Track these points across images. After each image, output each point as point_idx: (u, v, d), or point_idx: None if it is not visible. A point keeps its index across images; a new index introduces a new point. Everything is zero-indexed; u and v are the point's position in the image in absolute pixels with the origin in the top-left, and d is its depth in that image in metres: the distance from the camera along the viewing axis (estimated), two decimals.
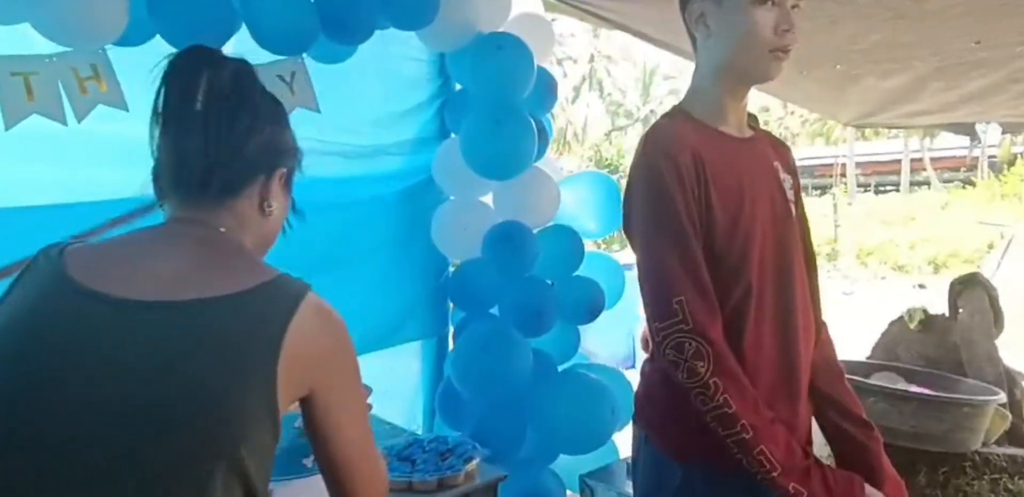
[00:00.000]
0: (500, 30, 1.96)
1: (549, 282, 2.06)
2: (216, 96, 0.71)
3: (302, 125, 1.80)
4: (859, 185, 24.35)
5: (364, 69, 1.91)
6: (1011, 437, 2.78)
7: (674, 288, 1.02)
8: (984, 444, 2.65)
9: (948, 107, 2.74)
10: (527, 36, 1.91)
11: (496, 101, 1.77)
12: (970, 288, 3.05)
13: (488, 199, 2.06)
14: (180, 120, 0.70)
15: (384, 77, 2.00)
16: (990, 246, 9.02)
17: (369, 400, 1.25)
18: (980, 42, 2.16)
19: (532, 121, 1.81)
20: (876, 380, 2.82)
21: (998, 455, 2.69)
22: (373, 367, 2.14)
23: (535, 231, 2.00)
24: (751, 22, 1.05)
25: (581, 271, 2.05)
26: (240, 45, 1.64)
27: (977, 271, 3.03)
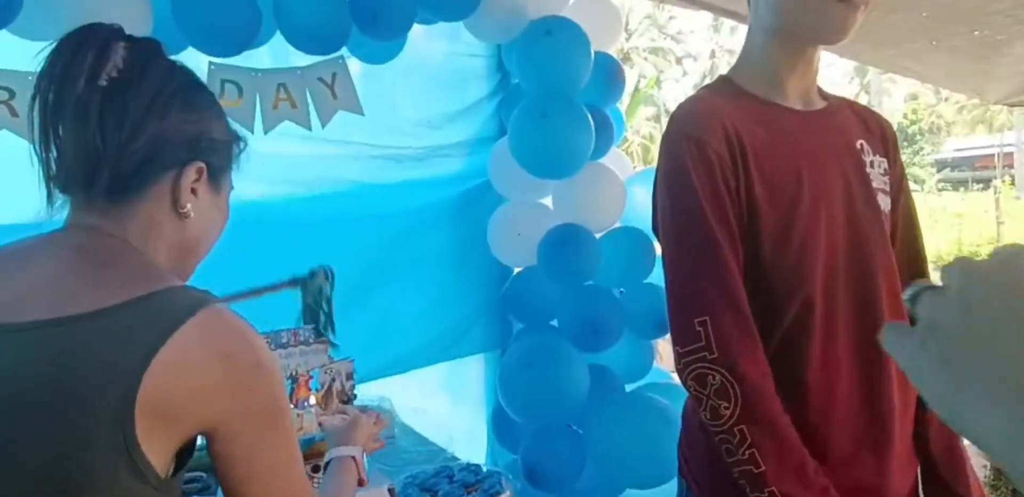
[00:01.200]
0: (561, 14, 1.80)
1: (619, 290, 1.87)
2: (103, 78, 0.60)
3: (347, 128, 1.77)
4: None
5: (414, 67, 1.83)
6: None
7: (697, 306, 0.82)
8: None
9: None
10: (588, 20, 1.74)
11: (545, 92, 1.62)
12: None
13: (548, 201, 1.90)
14: (61, 108, 0.60)
15: (437, 75, 1.90)
16: None
17: (386, 433, 1.10)
18: None
19: (587, 113, 1.63)
20: None
21: None
22: (434, 380, 2.05)
23: (599, 234, 1.82)
24: None
25: (654, 277, 1.84)
26: (276, 49, 1.61)
27: None
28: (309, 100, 1.65)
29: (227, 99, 1.59)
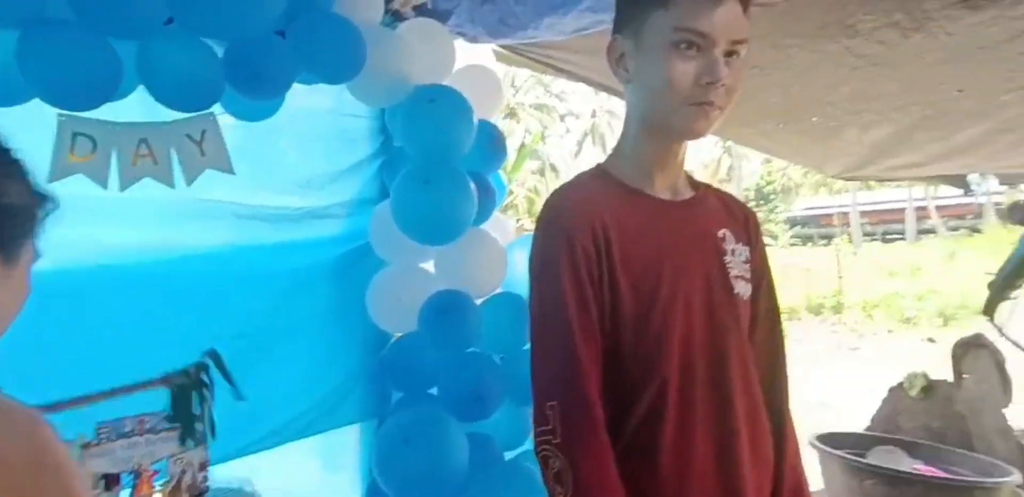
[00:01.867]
0: (444, 82, 1.82)
1: (499, 357, 1.85)
2: None
3: (216, 186, 1.67)
4: (865, 234, 24.16)
5: (293, 125, 1.76)
6: None
7: (549, 391, 0.85)
8: None
9: (938, 159, 2.57)
10: (471, 88, 1.77)
11: (428, 159, 1.61)
12: (974, 352, 2.80)
13: (430, 265, 1.87)
14: None
15: (317, 134, 1.85)
16: None
17: None
18: (963, 90, 2.00)
19: (469, 180, 1.64)
20: (876, 455, 2.55)
21: None
22: (305, 455, 1.91)
23: (480, 300, 1.81)
24: (667, 70, 0.88)
25: None
26: (138, 101, 1.50)
27: (980, 333, 2.80)
28: (174, 157, 1.54)
29: (78, 154, 1.46)
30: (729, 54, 0.88)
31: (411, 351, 1.78)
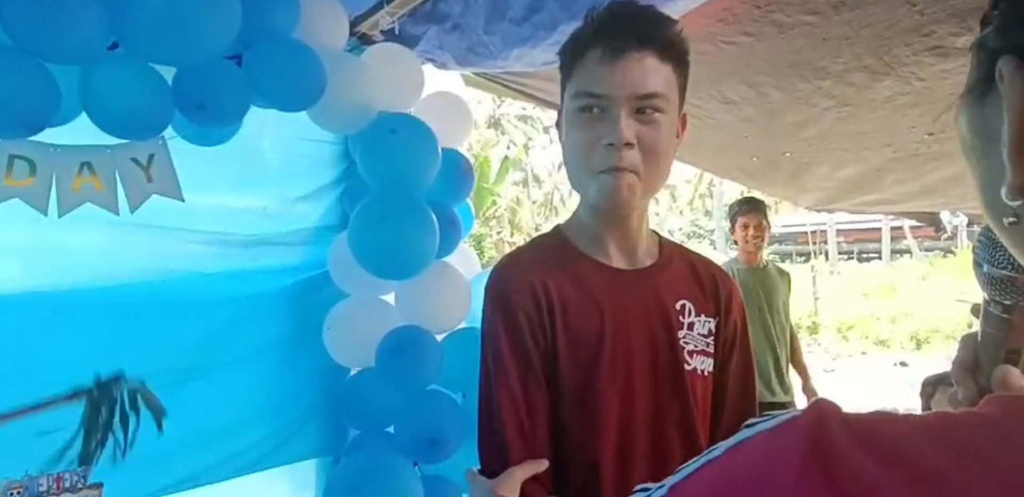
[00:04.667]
0: (411, 110, 1.77)
1: (461, 394, 1.78)
2: None
3: (165, 213, 1.59)
4: (841, 252, 24.43)
5: (251, 150, 1.70)
6: None
7: (489, 466, 0.87)
8: None
9: (910, 197, 2.57)
10: (438, 116, 1.72)
11: (388, 191, 1.55)
12: (942, 390, 2.79)
13: (391, 297, 1.81)
14: None
15: (276, 159, 1.78)
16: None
17: None
18: (933, 134, 2.00)
19: (431, 214, 1.58)
20: None
21: None
22: (256, 493, 1.83)
23: (442, 336, 1.75)
24: (571, 138, 0.84)
25: None
26: (86, 122, 1.42)
27: (948, 372, 2.77)
28: (118, 182, 1.47)
29: (14, 178, 1.38)
30: (641, 111, 0.83)
31: (367, 388, 1.71)
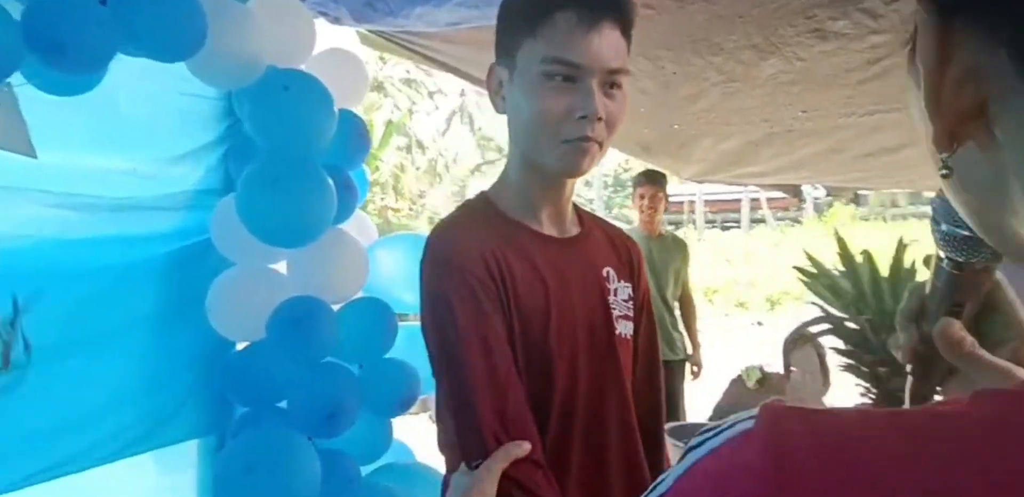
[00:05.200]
0: (302, 67, 1.65)
1: (357, 366, 1.73)
2: None
3: (13, 172, 1.40)
4: (707, 221, 26.13)
5: (117, 102, 1.52)
6: None
7: (469, 451, 0.81)
8: None
9: (781, 170, 2.76)
10: (332, 75, 1.61)
11: (280, 153, 1.45)
12: (800, 347, 3.09)
13: (282, 266, 1.71)
14: None
15: (149, 114, 1.61)
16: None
17: None
18: (807, 111, 2.15)
19: (327, 177, 1.49)
20: None
21: None
22: (130, 479, 1.69)
23: (337, 306, 1.68)
24: (539, 103, 0.82)
25: (395, 352, 1.75)
26: None
27: (807, 330, 3.07)
28: None
29: None
30: (608, 85, 0.83)
31: (257, 362, 1.62)
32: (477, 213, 0.91)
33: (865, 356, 1.08)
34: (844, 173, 2.73)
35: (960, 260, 0.47)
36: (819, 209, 20.70)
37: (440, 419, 0.91)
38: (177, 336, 1.70)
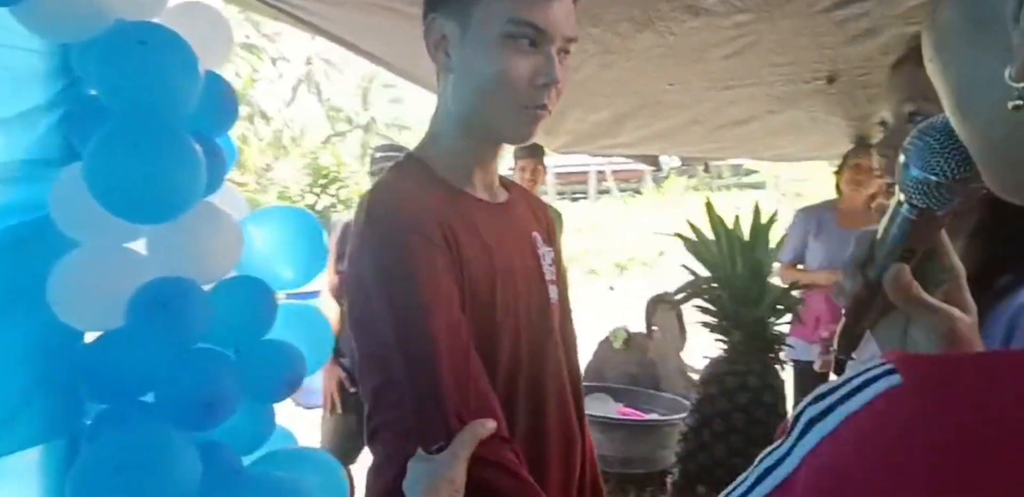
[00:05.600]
0: (154, 20, 1.46)
1: (232, 351, 1.61)
2: None
3: None
4: (558, 193, 27.11)
5: None
6: None
7: (429, 434, 0.77)
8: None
9: (643, 142, 2.90)
10: (192, 31, 1.44)
11: (139, 116, 1.28)
12: (662, 308, 3.32)
13: (140, 245, 1.53)
14: None
15: None
16: (661, 252, 10.59)
17: None
18: (673, 84, 2.26)
19: (195, 144, 1.35)
20: (590, 403, 2.89)
21: None
22: None
23: (207, 287, 1.54)
24: (500, 66, 0.79)
25: (274, 333, 1.64)
26: None
27: (666, 291, 3.32)
28: None
29: None
30: (562, 52, 0.82)
31: (116, 353, 1.45)
32: (416, 178, 0.86)
33: (722, 311, 1.18)
34: (701, 144, 2.93)
35: (922, 207, 0.48)
36: (657, 181, 22.20)
37: (378, 397, 0.85)
38: (11, 330, 1.47)
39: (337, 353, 2.66)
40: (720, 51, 1.96)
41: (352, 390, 2.71)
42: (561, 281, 1.00)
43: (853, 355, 0.56)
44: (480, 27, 0.79)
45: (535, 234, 0.95)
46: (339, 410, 2.77)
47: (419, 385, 0.78)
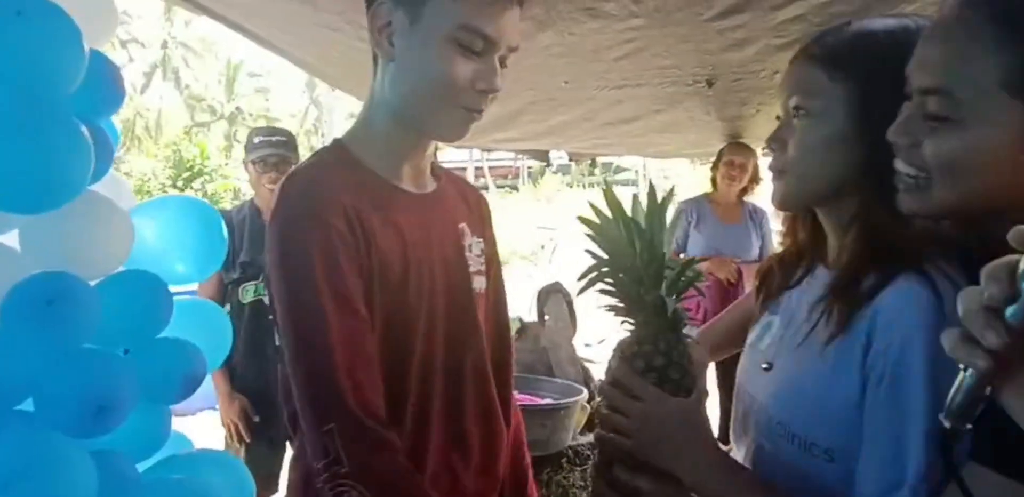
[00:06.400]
0: None
1: (123, 351, 1.50)
2: None
3: None
4: None
5: None
6: (589, 424, 3.19)
7: (320, 413, 0.76)
8: (573, 438, 2.96)
9: (534, 137, 2.99)
10: (76, 6, 1.32)
11: (17, 96, 1.16)
12: (553, 297, 3.44)
13: (12, 239, 1.38)
14: None
15: None
16: (542, 246, 10.85)
17: None
18: (568, 82, 2.35)
19: (81, 127, 1.24)
20: None
21: (583, 445, 3.05)
22: None
23: (94, 283, 1.42)
24: (444, 68, 0.80)
25: (169, 330, 1.55)
26: None
27: (557, 281, 3.43)
28: None
29: None
30: (503, 60, 0.85)
31: None
32: (333, 164, 0.86)
33: (624, 293, 1.25)
34: (588, 140, 3.06)
35: None
36: (533, 177, 22.79)
37: (288, 383, 0.85)
38: None
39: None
40: (613, 52, 2.07)
41: (255, 419, 2.45)
42: (492, 271, 1.02)
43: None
44: (430, 24, 0.80)
45: (462, 225, 0.96)
46: (246, 438, 2.46)
47: (310, 375, 0.78)
